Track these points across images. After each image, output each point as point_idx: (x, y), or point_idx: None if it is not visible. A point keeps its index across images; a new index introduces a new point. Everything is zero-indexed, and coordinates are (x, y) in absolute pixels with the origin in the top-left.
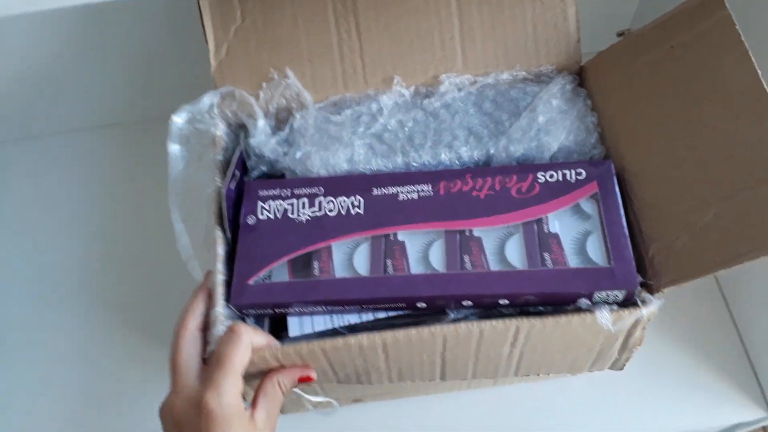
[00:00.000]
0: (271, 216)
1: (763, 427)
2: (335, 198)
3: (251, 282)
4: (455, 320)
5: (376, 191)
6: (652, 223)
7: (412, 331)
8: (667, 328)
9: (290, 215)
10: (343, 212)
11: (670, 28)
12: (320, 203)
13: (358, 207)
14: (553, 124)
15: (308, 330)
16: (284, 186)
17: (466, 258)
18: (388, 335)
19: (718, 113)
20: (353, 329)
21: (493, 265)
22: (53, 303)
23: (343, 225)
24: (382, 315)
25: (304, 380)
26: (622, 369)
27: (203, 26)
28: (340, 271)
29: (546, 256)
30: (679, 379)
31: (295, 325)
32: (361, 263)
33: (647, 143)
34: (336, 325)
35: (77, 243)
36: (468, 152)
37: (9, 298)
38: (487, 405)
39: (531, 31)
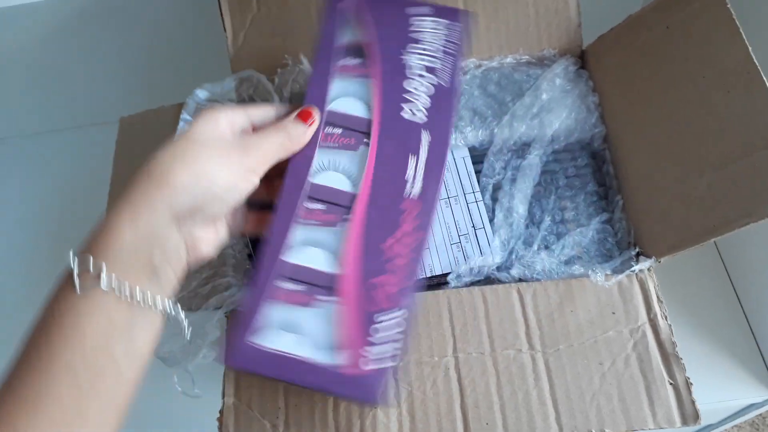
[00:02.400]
0: None
1: None
2: None
3: None
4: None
5: None
6: (648, 196)
7: (416, 294)
8: (673, 312)
9: None
10: None
11: (665, 9)
12: None
13: None
14: (555, 103)
15: None
16: None
17: None
18: None
19: (711, 88)
20: None
21: None
22: None
23: None
24: None
25: (305, 115)
26: None
27: (222, 16)
28: None
29: None
30: (687, 362)
31: None
32: None
33: (645, 120)
34: None
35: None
36: (473, 132)
37: None
38: None
39: (533, 16)
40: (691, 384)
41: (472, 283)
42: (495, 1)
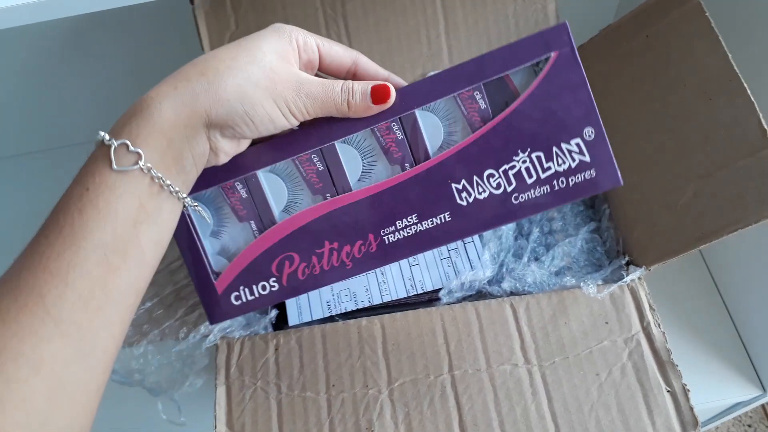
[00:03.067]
0: None
1: (763, 406)
2: None
3: None
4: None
5: None
6: (636, 206)
7: (409, 313)
8: (660, 314)
9: None
10: None
11: (645, 18)
12: None
13: None
14: None
15: (306, 318)
16: None
17: None
18: (386, 317)
19: (693, 97)
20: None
21: None
22: None
23: None
24: (377, 301)
25: (379, 95)
26: None
27: (199, 34)
28: None
29: None
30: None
31: (294, 314)
32: None
33: (628, 129)
34: (333, 313)
35: None
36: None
37: None
38: None
39: (513, 27)
40: (689, 390)
41: (464, 298)
42: (475, 12)
